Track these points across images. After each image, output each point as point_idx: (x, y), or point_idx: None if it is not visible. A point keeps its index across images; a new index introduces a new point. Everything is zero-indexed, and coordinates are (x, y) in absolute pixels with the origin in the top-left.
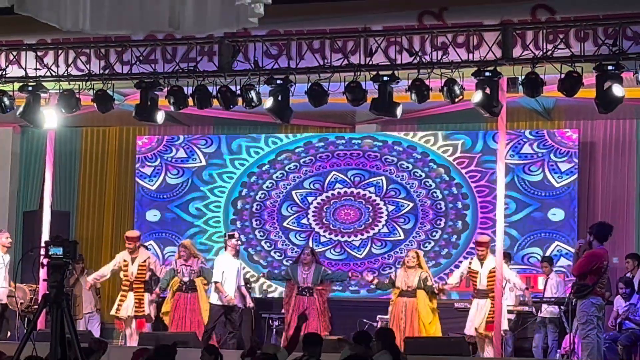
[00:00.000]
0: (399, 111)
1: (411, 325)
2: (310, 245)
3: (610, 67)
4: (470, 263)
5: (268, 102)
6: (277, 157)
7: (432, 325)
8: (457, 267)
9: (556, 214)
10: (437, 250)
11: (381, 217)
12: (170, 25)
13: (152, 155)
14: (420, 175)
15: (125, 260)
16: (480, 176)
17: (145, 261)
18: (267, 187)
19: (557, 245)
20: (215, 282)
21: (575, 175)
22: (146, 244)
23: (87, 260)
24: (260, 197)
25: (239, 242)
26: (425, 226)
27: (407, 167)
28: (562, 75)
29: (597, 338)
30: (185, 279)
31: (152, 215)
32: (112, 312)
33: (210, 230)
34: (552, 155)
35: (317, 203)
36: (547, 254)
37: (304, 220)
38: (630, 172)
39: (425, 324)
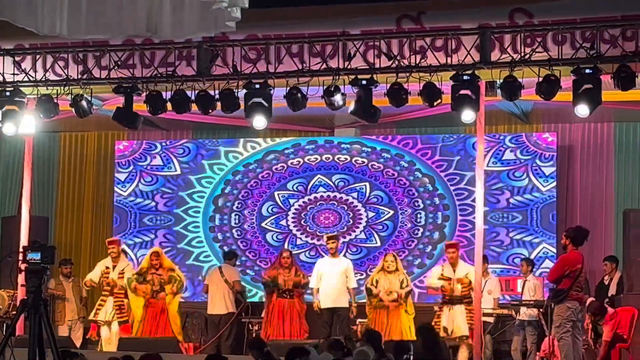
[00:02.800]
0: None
1: (392, 329)
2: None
3: (587, 70)
4: (442, 269)
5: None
6: (263, 157)
7: (412, 330)
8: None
9: (535, 217)
10: (410, 259)
11: (360, 222)
12: (147, 30)
13: (125, 162)
14: (405, 184)
15: (107, 267)
16: (459, 179)
17: (124, 269)
18: (250, 186)
19: (544, 247)
20: (311, 288)
21: (554, 178)
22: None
23: None
24: (242, 196)
25: (334, 245)
26: (402, 235)
27: (393, 175)
28: (540, 79)
29: (573, 340)
30: (156, 288)
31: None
32: (91, 316)
33: (190, 236)
34: (531, 159)
35: (299, 205)
36: (532, 256)
37: (283, 222)
38: (609, 175)
39: (404, 329)
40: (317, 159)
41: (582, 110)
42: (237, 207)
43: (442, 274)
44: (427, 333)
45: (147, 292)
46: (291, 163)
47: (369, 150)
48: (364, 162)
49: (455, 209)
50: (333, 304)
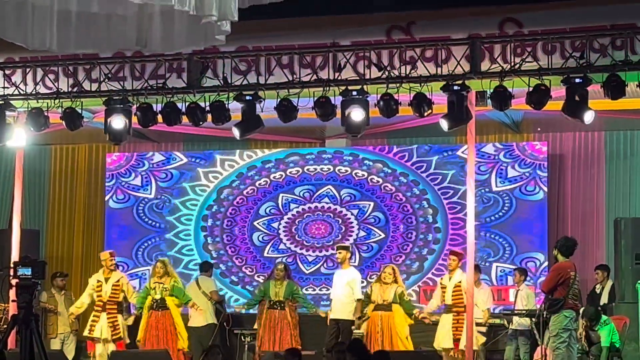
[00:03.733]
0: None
1: (388, 339)
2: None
3: (577, 80)
4: (442, 278)
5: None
6: (247, 171)
7: (409, 340)
8: (427, 281)
9: (526, 227)
10: (408, 263)
11: (347, 240)
12: (137, 44)
13: (110, 175)
14: (391, 189)
15: (98, 281)
16: (452, 193)
17: (118, 281)
18: (230, 214)
19: (535, 257)
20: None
21: (545, 187)
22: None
23: None
24: (227, 240)
25: (340, 255)
26: (397, 240)
27: (378, 182)
28: (530, 88)
29: (569, 350)
30: (157, 296)
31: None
32: (85, 332)
33: (181, 243)
34: (520, 168)
35: (297, 211)
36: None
37: (275, 224)
38: (600, 184)
39: (402, 338)
40: (330, 169)
41: (588, 117)
42: (230, 213)
43: (441, 283)
44: (358, 346)
45: (148, 302)
46: (307, 170)
47: (351, 158)
48: (347, 170)
49: (445, 212)
50: (336, 315)
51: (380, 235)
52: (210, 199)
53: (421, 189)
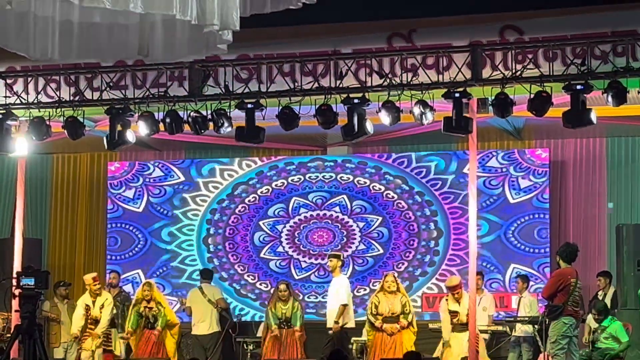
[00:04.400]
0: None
1: (393, 350)
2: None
3: (579, 87)
4: (447, 303)
5: None
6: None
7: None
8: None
9: (528, 233)
10: (410, 270)
11: (355, 235)
12: (139, 53)
13: (118, 183)
14: (393, 197)
15: (87, 305)
16: (453, 198)
17: (103, 303)
18: (238, 212)
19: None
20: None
21: (547, 194)
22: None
23: None
24: (229, 233)
25: (330, 264)
26: (399, 247)
27: (380, 189)
28: (532, 95)
29: (569, 356)
30: (151, 320)
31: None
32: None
33: (184, 254)
34: (523, 175)
35: (288, 230)
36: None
37: (280, 249)
38: (601, 190)
39: (408, 349)
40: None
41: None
42: (229, 247)
43: (449, 309)
44: (339, 356)
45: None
46: (323, 177)
47: (354, 166)
48: (349, 178)
49: (447, 216)
50: (329, 323)
51: (379, 250)
52: (223, 194)
53: (433, 209)
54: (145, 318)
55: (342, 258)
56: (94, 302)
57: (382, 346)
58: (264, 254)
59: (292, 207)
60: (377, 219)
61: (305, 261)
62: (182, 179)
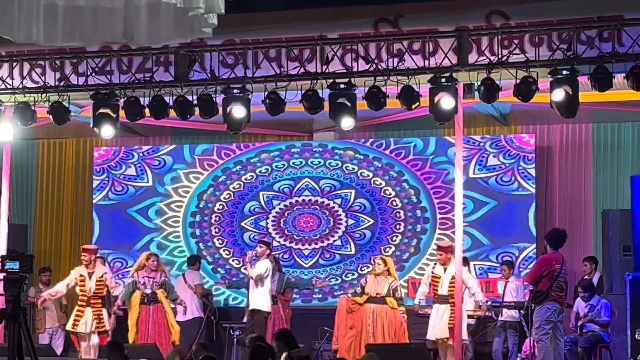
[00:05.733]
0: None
1: (380, 332)
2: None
3: (564, 72)
4: (433, 268)
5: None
6: (250, 159)
7: (406, 334)
8: (418, 272)
9: (514, 219)
10: (398, 254)
11: (339, 228)
12: (124, 37)
13: (100, 169)
14: (380, 184)
15: (82, 275)
16: (435, 177)
17: (102, 276)
18: (233, 188)
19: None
20: None
21: (533, 180)
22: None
23: None
24: (225, 198)
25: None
26: (385, 231)
27: (368, 176)
28: (518, 81)
29: (553, 341)
30: (148, 290)
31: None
32: (68, 327)
33: (171, 246)
34: (509, 160)
35: (280, 208)
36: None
37: (262, 223)
38: (587, 176)
39: (396, 331)
40: (302, 162)
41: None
42: (218, 209)
43: (432, 272)
44: (286, 334)
45: (137, 297)
46: (276, 166)
47: (361, 157)
48: (337, 164)
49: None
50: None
51: (369, 221)
52: (205, 184)
53: (415, 188)
54: (142, 293)
55: (270, 244)
56: (90, 275)
57: (365, 328)
58: (245, 224)
59: (264, 202)
60: (350, 192)
61: (307, 248)
62: (169, 163)
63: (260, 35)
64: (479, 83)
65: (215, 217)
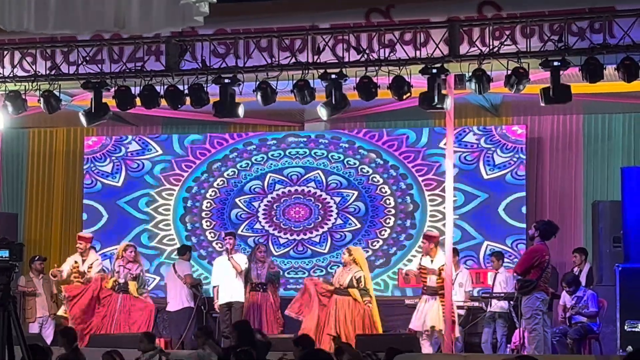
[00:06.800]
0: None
1: (343, 323)
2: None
3: (556, 63)
4: (421, 259)
5: None
6: (227, 155)
7: (377, 325)
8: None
9: (504, 210)
10: (385, 249)
11: (331, 210)
12: (115, 25)
13: (101, 156)
14: (368, 172)
15: (76, 262)
16: (426, 170)
17: (92, 263)
18: (217, 184)
19: (513, 239)
20: (214, 287)
21: (523, 171)
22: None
23: None
24: (208, 202)
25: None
26: (375, 225)
27: (354, 164)
28: (509, 71)
29: (543, 331)
30: (121, 280)
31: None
32: (60, 312)
33: (161, 234)
34: (499, 151)
35: (265, 205)
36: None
37: (257, 226)
38: (578, 167)
39: (365, 321)
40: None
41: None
42: (205, 210)
43: (420, 263)
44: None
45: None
46: (289, 153)
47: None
48: (323, 153)
49: (424, 195)
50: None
51: (356, 225)
52: (198, 171)
53: (408, 183)
54: (115, 281)
55: (235, 236)
56: (83, 261)
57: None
58: (242, 232)
59: (267, 183)
60: (353, 194)
61: (282, 237)
62: (160, 152)
63: (251, 25)
64: (470, 74)
65: (207, 203)
